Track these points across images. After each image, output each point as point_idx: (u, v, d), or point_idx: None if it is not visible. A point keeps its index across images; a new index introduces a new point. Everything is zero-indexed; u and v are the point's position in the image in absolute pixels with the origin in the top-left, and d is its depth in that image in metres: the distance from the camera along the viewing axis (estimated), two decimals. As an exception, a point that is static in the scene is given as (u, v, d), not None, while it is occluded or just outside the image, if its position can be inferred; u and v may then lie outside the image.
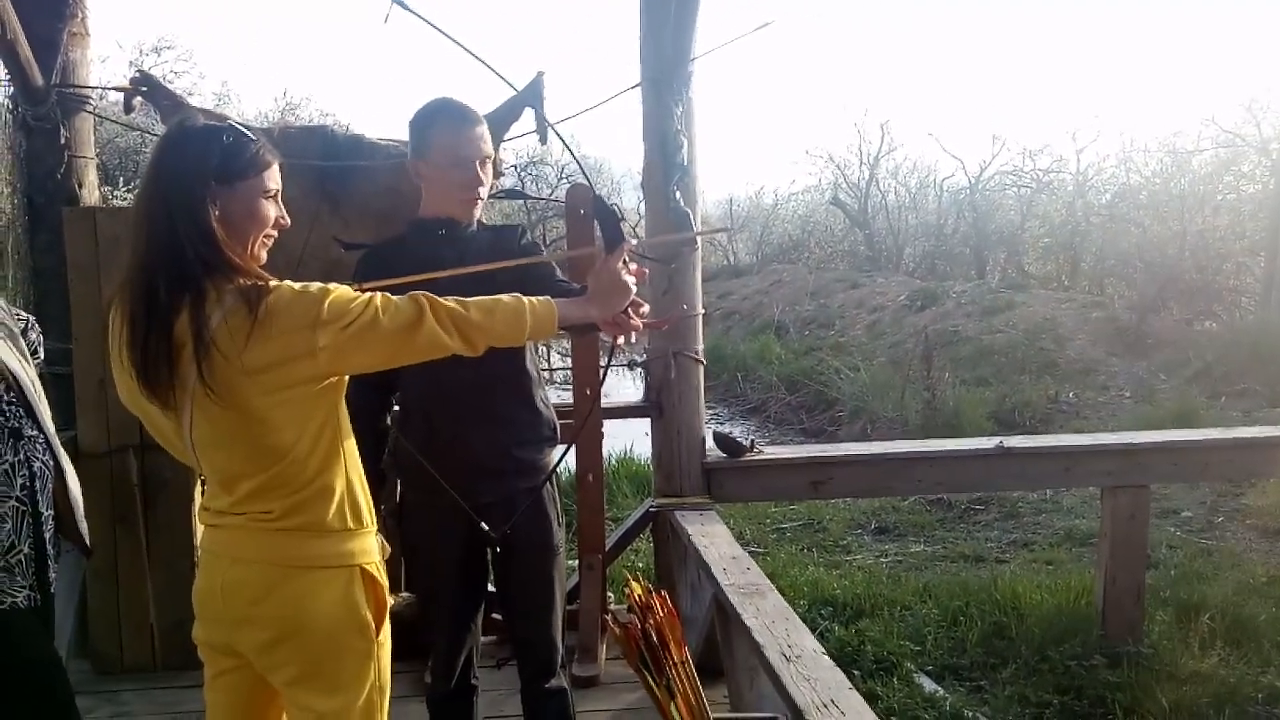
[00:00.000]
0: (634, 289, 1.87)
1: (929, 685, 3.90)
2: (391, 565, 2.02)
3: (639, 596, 2.32)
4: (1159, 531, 5.61)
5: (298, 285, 1.60)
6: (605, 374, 2.72)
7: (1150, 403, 8.43)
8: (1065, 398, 9.03)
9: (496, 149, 3.48)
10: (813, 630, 4.17)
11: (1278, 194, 12.29)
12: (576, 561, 3.73)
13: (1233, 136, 14.04)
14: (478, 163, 2.26)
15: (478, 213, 2.33)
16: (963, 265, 17.25)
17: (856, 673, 3.90)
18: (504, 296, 1.73)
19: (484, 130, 2.29)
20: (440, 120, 2.26)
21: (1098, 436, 4.60)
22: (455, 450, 2.30)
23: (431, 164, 2.27)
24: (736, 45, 3.30)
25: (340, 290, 1.61)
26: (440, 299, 1.66)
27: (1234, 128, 14.06)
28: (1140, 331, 10.50)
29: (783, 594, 2.94)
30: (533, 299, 1.75)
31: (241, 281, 1.58)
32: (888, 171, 19.67)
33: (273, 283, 1.60)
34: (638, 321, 1.92)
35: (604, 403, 3.98)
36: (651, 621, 2.27)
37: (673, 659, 2.25)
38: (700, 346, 3.80)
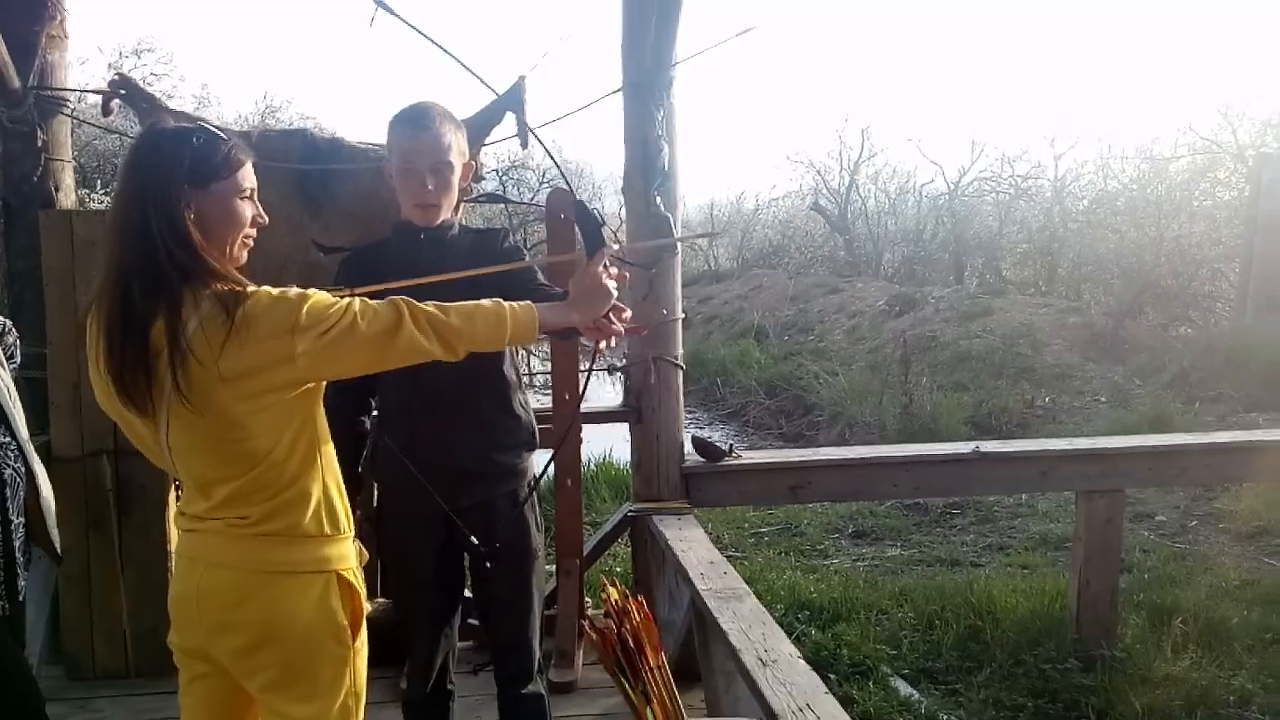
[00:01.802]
0: (615, 293, 1.87)
1: (904, 689, 3.93)
2: (368, 571, 2.02)
3: (616, 601, 2.34)
4: (1133, 535, 5.66)
5: (275, 290, 1.60)
6: (588, 379, 2.71)
7: (1125, 408, 8.50)
8: (1041, 402, 9.10)
9: (477, 153, 3.48)
10: (789, 634, 4.17)
11: (1253, 200, 12.41)
12: (554, 566, 3.73)
13: (1209, 143, 14.22)
14: (429, 169, 2.23)
15: (437, 219, 2.29)
16: (941, 271, 17.31)
17: (832, 676, 3.93)
18: (485, 301, 1.73)
19: (440, 135, 2.23)
20: (396, 125, 2.26)
21: (1073, 441, 4.62)
22: (434, 455, 2.30)
23: (392, 168, 2.29)
24: (719, 51, 3.31)
25: (318, 295, 1.61)
26: (420, 304, 1.66)
27: (1211, 134, 14.26)
28: (1116, 337, 10.59)
29: (760, 598, 2.95)
30: (513, 304, 1.75)
31: (219, 287, 1.57)
32: (868, 177, 19.74)
33: (250, 288, 1.60)
34: (619, 326, 1.92)
35: (583, 407, 3.98)
36: (628, 626, 2.28)
37: (649, 664, 2.26)
38: (680, 351, 3.81)
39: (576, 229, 3.54)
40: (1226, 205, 13.42)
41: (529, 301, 1.79)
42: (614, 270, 1.88)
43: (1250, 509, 6.09)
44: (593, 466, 6.84)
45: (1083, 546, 4.14)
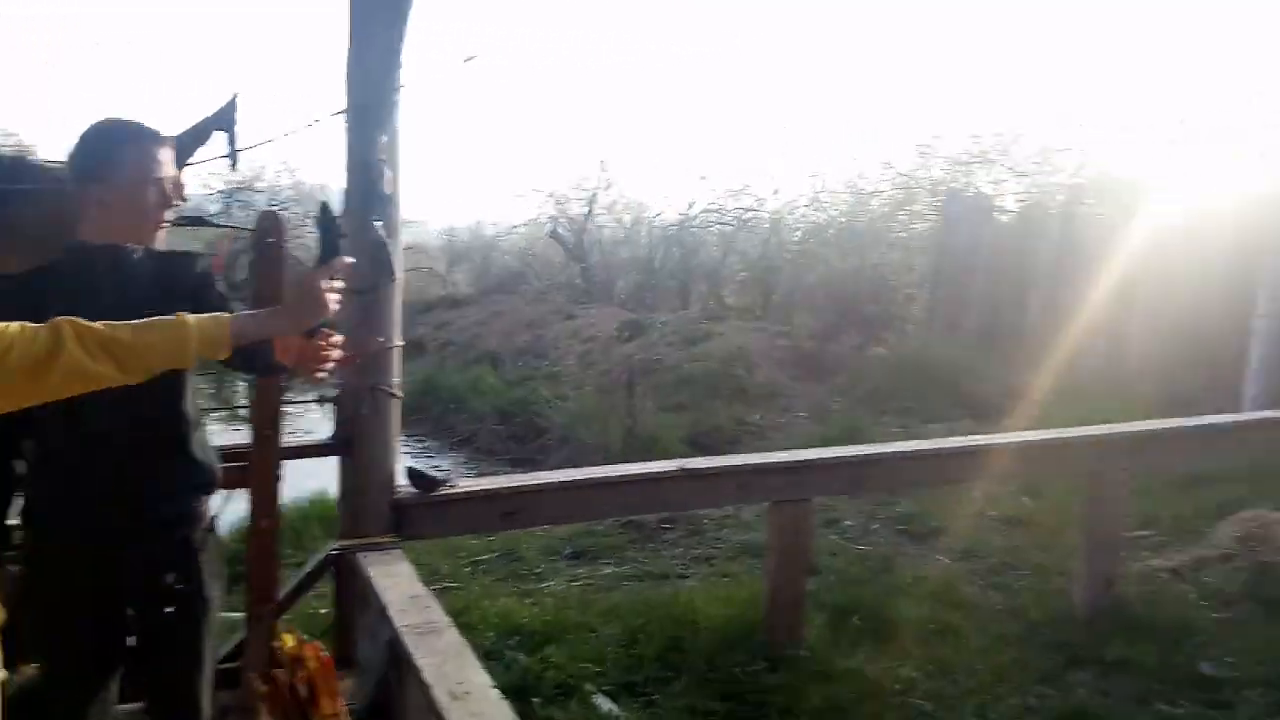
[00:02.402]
0: (331, 309, 1.82)
1: (605, 705, 4.02)
2: (7, 636, 1.89)
3: (290, 649, 2.30)
4: (824, 540, 6.07)
5: None
6: (281, 408, 2.63)
7: (824, 423, 9.20)
8: (752, 420, 9.70)
9: (179, 173, 3.32)
10: (498, 661, 4.21)
11: (941, 231, 13.85)
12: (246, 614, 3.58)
13: (907, 178, 15.73)
14: (170, 183, 2.22)
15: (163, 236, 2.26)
16: (669, 298, 18.07)
17: (536, 700, 3.95)
18: (166, 316, 1.64)
19: (172, 151, 2.26)
20: (133, 141, 2.17)
21: (767, 455, 4.89)
22: (97, 502, 2.17)
23: (120, 186, 2.16)
24: (459, 80, 3.34)
25: None
26: (87, 323, 1.56)
27: (909, 170, 15.79)
28: (820, 357, 11.49)
29: (473, 627, 2.94)
30: (200, 315, 1.66)
31: None
32: (604, 207, 20.30)
33: None
34: (335, 352, 1.90)
35: (292, 442, 3.84)
36: (302, 675, 2.25)
37: (322, 713, 2.24)
38: (397, 380, 3.73)
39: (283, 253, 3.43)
40: (921, 235, 14.90)
41: (221, 312, 1.72)
42: (337, 284, 1.83)
43: (926, 511, 6.69)
44: (307, 505, 6.57)
45: (774, 554, 4.40)
